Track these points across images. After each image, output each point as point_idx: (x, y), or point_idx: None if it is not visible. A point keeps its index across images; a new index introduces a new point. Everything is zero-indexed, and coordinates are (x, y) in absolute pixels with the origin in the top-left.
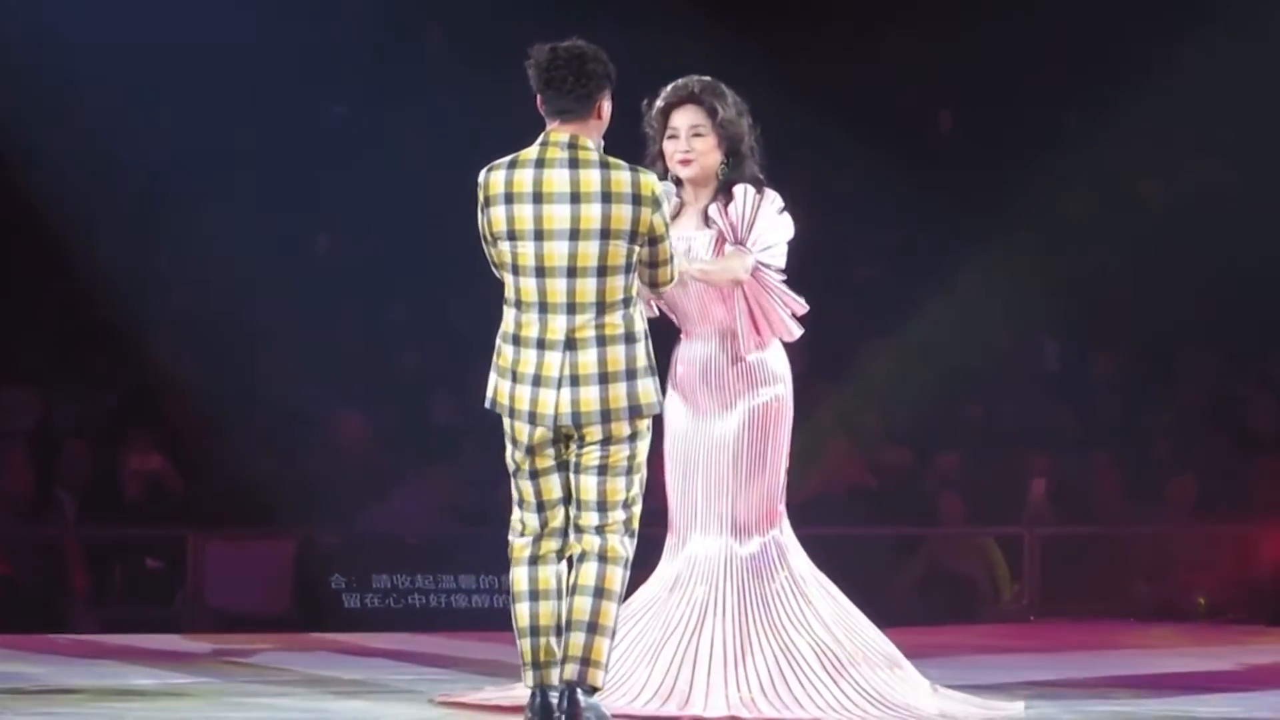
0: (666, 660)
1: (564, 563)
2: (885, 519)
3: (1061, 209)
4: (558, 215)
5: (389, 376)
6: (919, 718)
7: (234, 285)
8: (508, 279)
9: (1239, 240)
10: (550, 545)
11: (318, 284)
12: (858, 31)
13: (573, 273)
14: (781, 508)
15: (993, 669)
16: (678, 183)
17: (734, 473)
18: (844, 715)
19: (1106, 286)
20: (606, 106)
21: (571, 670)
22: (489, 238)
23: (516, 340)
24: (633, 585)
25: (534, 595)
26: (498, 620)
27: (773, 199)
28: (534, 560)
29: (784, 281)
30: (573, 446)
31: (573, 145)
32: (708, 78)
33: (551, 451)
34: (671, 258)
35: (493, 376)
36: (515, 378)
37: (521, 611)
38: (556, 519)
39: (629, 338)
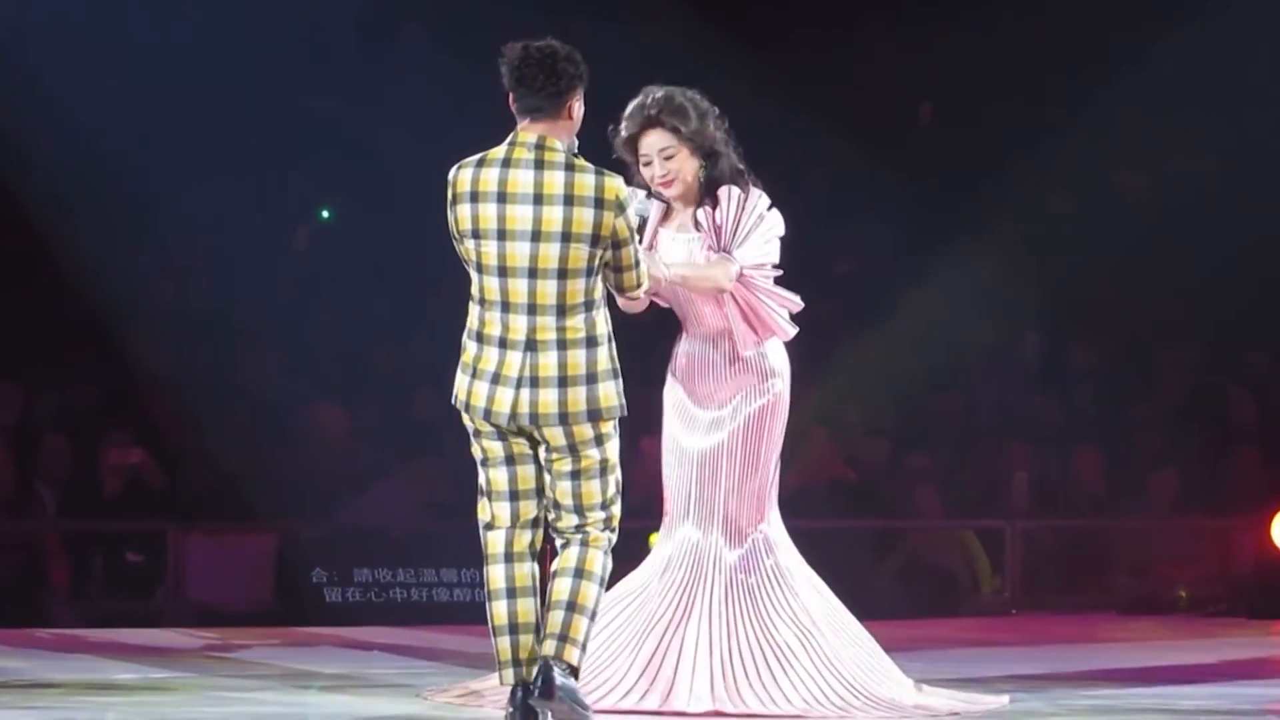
0: (649, 650)
1: (537, 562)
2: (865, 512)
3: (1042, 202)
4: (520, 216)
5: (370, 371)
6: (900, 711)
7: (215, 280)
8: (473, 276)
9: (1219, 233)
10: (524, 539)
11: (298, 278)
12: (837, 23)
13: (534, 274)
14: (772, 500)
15: (974, 662)
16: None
17: (728, 469)
18: (827, 708)
19: (1087, 279)
20: (578, 107)
21: (549, 646)
22: (456, 235)
23: (480, 338)
24: (622, 574)
25: (511, 593)
26: (479, 614)
27: (758, 197)
28: (510, 558)
29: (778, 279)
30: (541, 450)
31: (540, 146)
32: (661, 93)
33: (525, 440)
34: (637, 263)
35: (458, 373)
36: (476, 374)
37: (499, 609)
38: (530, 510)
39: (591, 341)
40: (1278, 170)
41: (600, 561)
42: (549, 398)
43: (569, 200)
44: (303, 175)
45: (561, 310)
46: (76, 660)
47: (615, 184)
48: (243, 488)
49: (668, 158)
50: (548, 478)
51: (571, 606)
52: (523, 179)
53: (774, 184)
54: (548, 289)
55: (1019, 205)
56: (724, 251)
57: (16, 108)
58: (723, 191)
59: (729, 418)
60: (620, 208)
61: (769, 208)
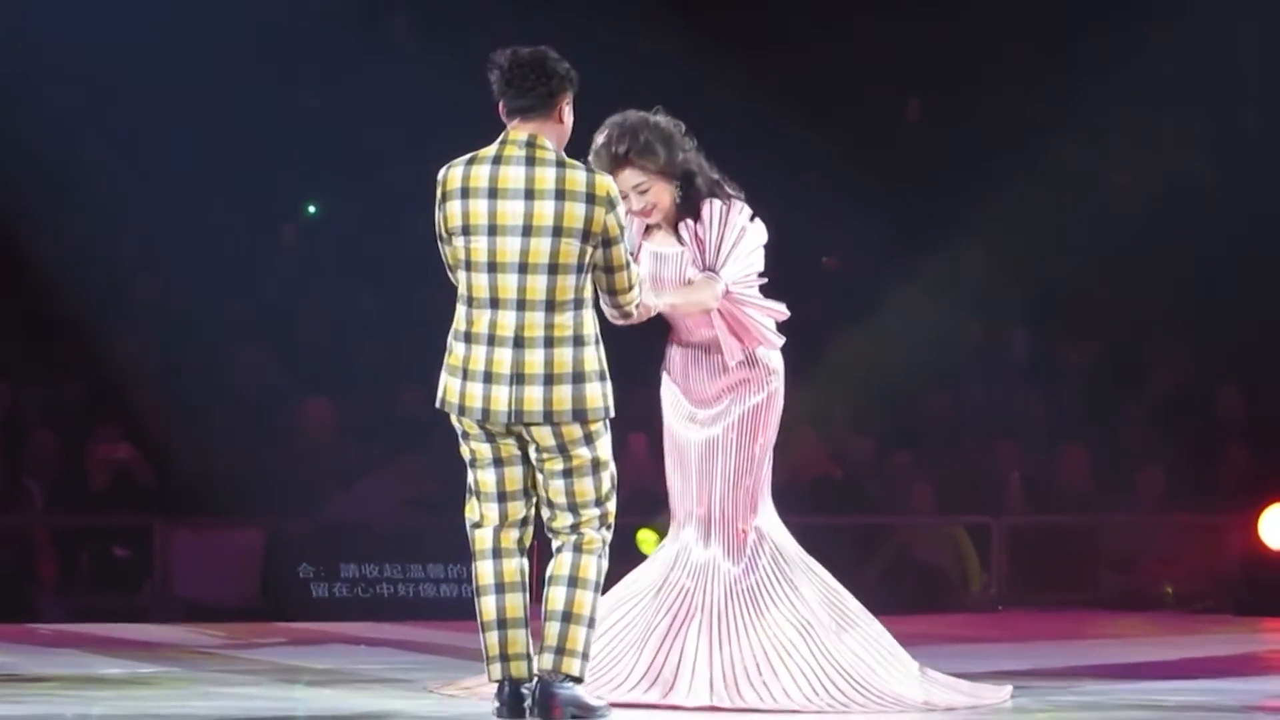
0: (654, 649)
1: (525, 557)
2: (852, 509)
3: (1030, 199)
4: (511, 211)
5: (357, 367)
6: (904, 706)
7: (202, 276)
8: (461, 276)
9: (1209, 231)
10: (512, 536)
11: (285, 274)
12: (826, 20)
13: (524, 269)
14: (765, 494)
15: (962, 658)
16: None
17: (724, 465)
18: (828, 703)
19: (1075, 277)
20: (568, 111)
21: (546, 660)
22: (444, 235)
23: (468, 338)
24: (613, 570)
25: (500, 588)
26: (466, 610)
27: (740, 209)
28: (497, 553)
29: (763, 285)
30: (532, 450)
31: (530, 144)
32: (626, 128)
33: (514, 441)
34: (628, 263)
35: (443, 376)
36: (466, 375)
37: (487, 605)
38: (518, 511)
39: (578, 340)
40: (1266, 168)
41: (595, 567)
42: (534, 395)
43: (560, 195)
44: (289, 171)
45: (550, 306)
46: (63, 655)
47: (607, 181)
48: (230, 483)
49: (642, 192)
50: (540, 477)
51: (567, 617)
52: (514, 175)
53: (761, 181)
54: (538, 284)
55: (1007, 203)
56: (709, 270)
57: (1, 103)
58: (705, 206)
59: (724, 414)
60: (611, 204)
61: (751, 218)
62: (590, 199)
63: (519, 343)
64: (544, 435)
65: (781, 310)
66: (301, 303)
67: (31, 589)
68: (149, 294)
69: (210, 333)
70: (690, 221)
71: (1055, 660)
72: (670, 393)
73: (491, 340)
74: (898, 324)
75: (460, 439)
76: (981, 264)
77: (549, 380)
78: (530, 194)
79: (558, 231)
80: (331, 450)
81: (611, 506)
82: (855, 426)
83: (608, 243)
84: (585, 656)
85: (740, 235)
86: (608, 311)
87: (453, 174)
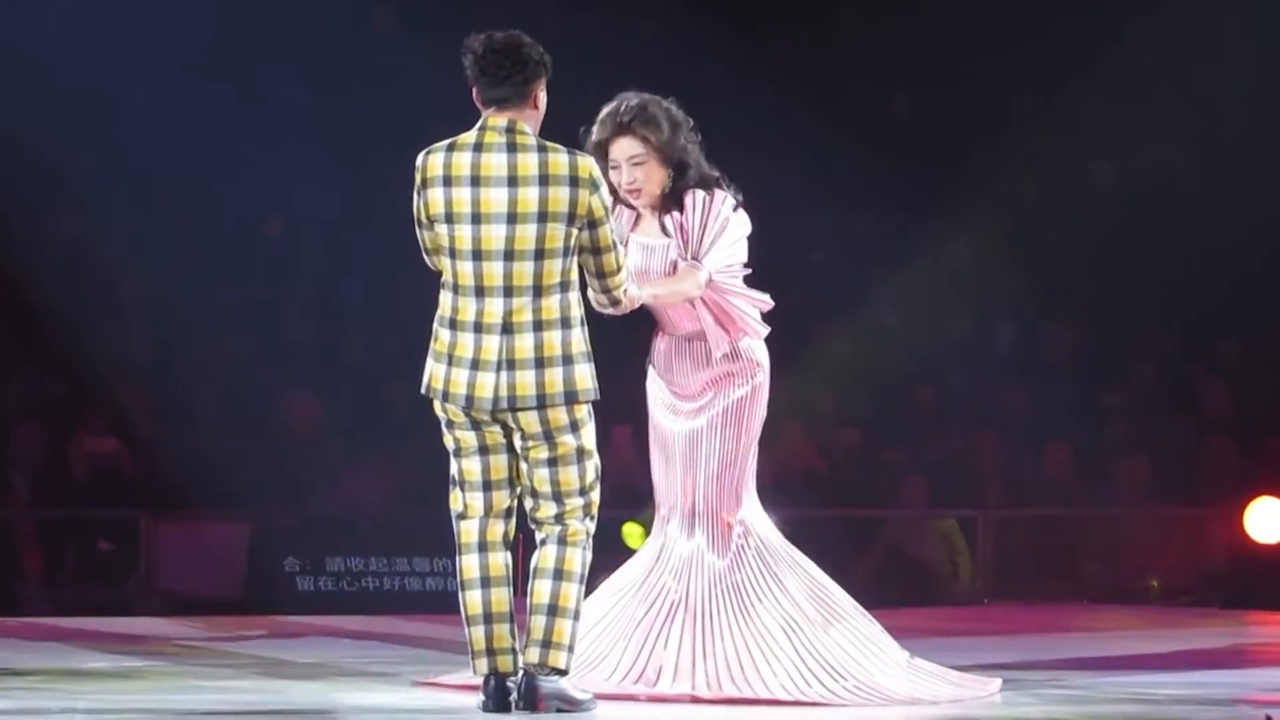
0: (639, 643)
1: (510, 551)
2: (837, 502)
3: (1015, 191)
4: (495, 198)
5: (342, 359)
6: (889, 699)
7: (187, 268)
8: (444, 263)
9: (1193, 223)
10: (497, 529)
11: (270, 267)
12: (812, 11)
13: (510, 256)
14: (750, 487)
15: (947, 652)
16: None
17: (708, 458)
18: (810, 694)
19: (1060, 268)
20: (543, 96)
21: (532, 654)
22: (425, 221)
23: (453, 324)
24: (596, 564)
25: (485, 582)
26: (451, 603)
27: (723, 200)
28: (483, 547)
29: (747, 276)
30: (516, 439)
31: (510, 130)
32: (636, 100)
33: (499, 429)
34: (614, 244)
35: (429, 362)
36: (452, 361)
37: (472, 599)
38: (503, 501)
39: (565, 323)
40: (1251, 160)
41: (579, 559)
42: (526, 379)
43: (544, 180)
44: (274, 163)
45: (538, 291)
46: (48, 648)
47: (589, 163)
48: (215, 476)
49: (636, 164)
50: (524, 466)
51: (553, 610)
52: (496, 162)
53: (749, 172)
54: (524, 270)
55: (992, 195)
56: (692, 259)
57: None
58: (688, 196)
59: (709, 407)
60: (595, 185)
61: (735, 208)
62: (574, 181)
63: (507, 328)
64: (530, 421)
65: (765, 300)
66: (287, 295)
67: (16, 582)
68: (134, 286)
69: (196, 325)
70: (676, 214)
71: (1040, 653)
72: (655, 386)
73: (479, 328)
74: (883, 316)
75: (444, 428)
76: (967, 256)
77: (540, 364)
78: (513, 180)
79: (543, 217)
80: (317, 443)
81: (595, 497)
82: (841, 419)
83: (593, 224)
84: (571, 649)
85: (723, 225)
86: (595, 299)
87: (432, 160)
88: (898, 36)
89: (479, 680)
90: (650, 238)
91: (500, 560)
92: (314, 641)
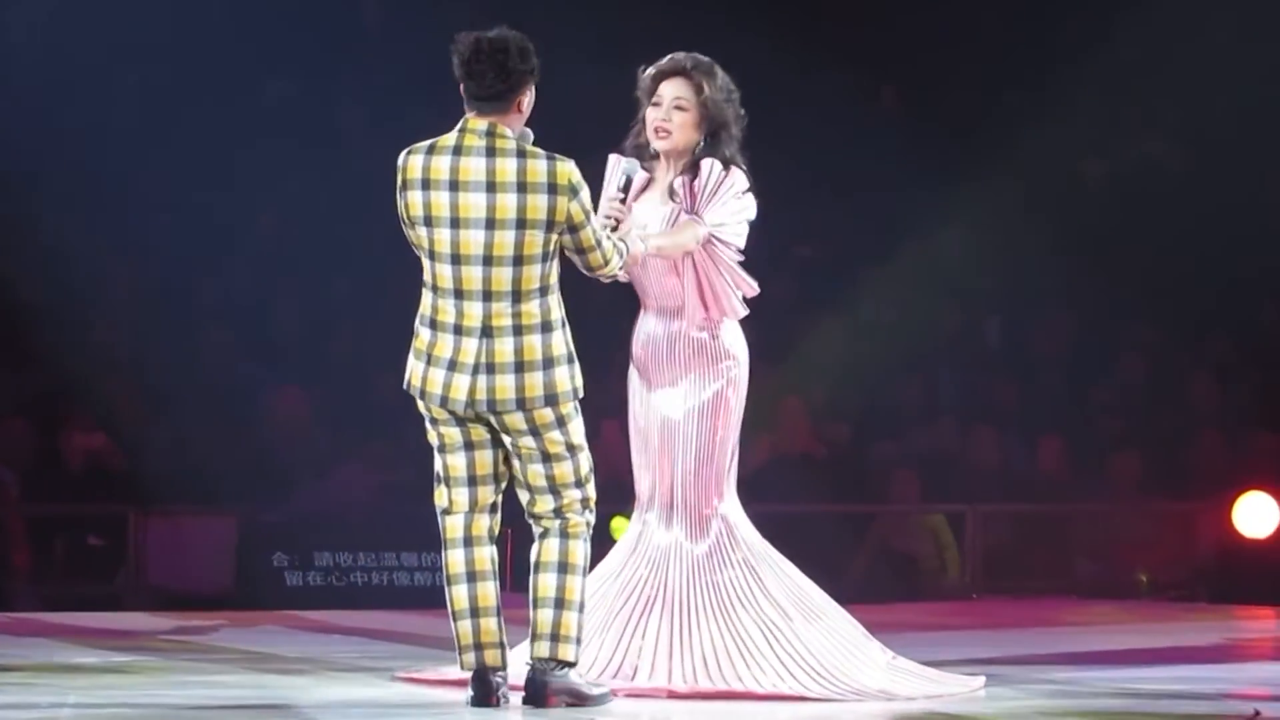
0: (615, 637)
1: (495, 545)
2: (827, 497)
3: (1004, 186)
4: (473, 204)
5: (330, 354)
6: (862, 695)
7: (175, 263)
8: (425, 263)
9: (1181, 217)
10: (482, 524)
11: (258, 261)
12: (798, 4)
13: (489, 261)
14: (730, 481)
15: (936, 646)
16: (654, 157)
17: (685, 452)
18: (784, 689)
19: (1049, 263)
20: (527, 100)
21: (541, 648)
22: (406, 220)
23: (434, 324)
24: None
25: (471, 577)
26: (440, 598)
27: (737, 177)
28: (469, 541)
29: (741, 263)
30: (505, 435)
31: (490, 133)
32: (706, 58)
33: (483, 426)
34: (598, 243)
35: (410, 359)
36: (430, 360)
37: (459, 594)
38: (488, 496)
39: (545, 326)
40: (1240, 154)
41: (582, 551)
42: (505, 383)
43: (522, 187)
44: (262, 158)
45: (517, 296)
46: (38, 643)
47: (568, 169)
48: (203, 471)
49: (678, 107)
50: (516, 463)
51: (560, 604)
52: (474, 166)
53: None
54: (503, 276)
55: (980, 190)
56: (693, 215)
57: None
58: (704, 163)
59: (686, 408)
60: (574, 191)
61: (745, 190)
62: (552, 189)
63: (487, 332)
64: (516, 420)
65: (752, 285)
66: (275, 290)
67: (5, 578)
68: (122, 281)
69: (184, 320)
70: (686, 177)
71: (1029, 648)
72: (633, 380)
73: (458, 330)
74: (870, 310)
75: (428, 424)
76: (955, 250)
77: (519, 368)
78: (492, 186)
79: (521, 224)
80: (305, 438)
81: (591, 490)
82: (829, 414)
83: (574, 229)
84: (578, 641)
85: (733, 198)
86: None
87: (412, 162)
88: (887, 30)
89: (466, 675)
90: (649, 208)
91: (486, 555)
92: (302, 636)
